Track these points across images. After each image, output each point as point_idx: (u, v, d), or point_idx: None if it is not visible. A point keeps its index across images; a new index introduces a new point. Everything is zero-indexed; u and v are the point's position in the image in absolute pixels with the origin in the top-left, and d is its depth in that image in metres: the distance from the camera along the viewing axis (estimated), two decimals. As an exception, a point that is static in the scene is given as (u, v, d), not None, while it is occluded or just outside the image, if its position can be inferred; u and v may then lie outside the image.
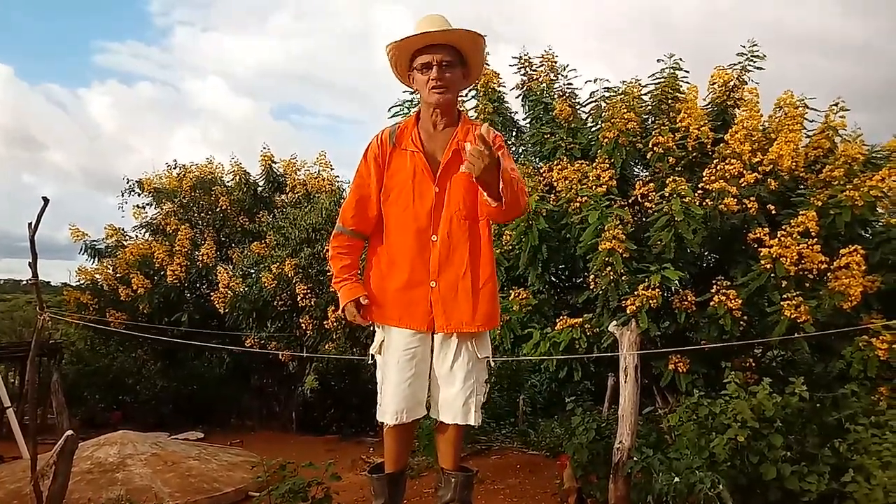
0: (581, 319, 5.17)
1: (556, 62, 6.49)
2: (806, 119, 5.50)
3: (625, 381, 4.39)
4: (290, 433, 9.24)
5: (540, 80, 6.44)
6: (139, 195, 10.74)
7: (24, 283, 17.28)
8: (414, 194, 2.33)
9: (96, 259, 10.12)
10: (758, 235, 4.85)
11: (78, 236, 10.06)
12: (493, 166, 1.99)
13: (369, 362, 2.49)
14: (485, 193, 2.10)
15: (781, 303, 4.62)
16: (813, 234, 4.70)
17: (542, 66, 6.50)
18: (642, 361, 4.59)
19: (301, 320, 8.26)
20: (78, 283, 9.82)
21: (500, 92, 6.51)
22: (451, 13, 2.33)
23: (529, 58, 6.53)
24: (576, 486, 4.43)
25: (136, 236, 10.51)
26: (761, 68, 5.77)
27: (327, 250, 2.56)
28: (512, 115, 6.62)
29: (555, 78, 6.45)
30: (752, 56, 5.79)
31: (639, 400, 4.39)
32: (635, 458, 4.16)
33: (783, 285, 4.69)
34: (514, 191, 2.10)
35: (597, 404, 6.31)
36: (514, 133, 6.64)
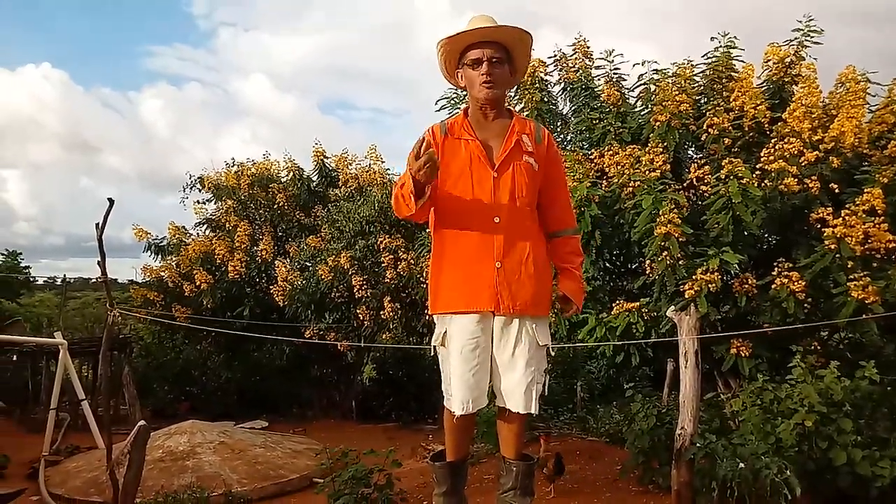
0: (638, 304, 5.12)
1: (588, 48, 6.38)
2: (868, 94, 5.30)
3: (685, 367, 4.34)
4: (351, 421, 9.41)
5: (576, 68, 6.34)
6: (200, 191, 11.08)
7: (94, 280, 17.99)
8: (472, 180, 2.35)
9: (160, 256, 10.49)
10: (821, 215, 4.72)
11: (141, 236, 10.44)
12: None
13: (431, 354, 2.52)
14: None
15: (848, 284, 4.49)
16: (879, 212, 4.55)
17: (574, 54, 6.40)
18: (702, 346, 4.53)
19: (358, 311, 8.38)
20: (144, 280, 10.21)
21: (546, 81, 6.43)
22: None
23: (564, 53, 6.43)
24: (551, 454, 4.84)
25: (197, 233, 10.84)
26: (819, 43, 5.59)
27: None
28: (555, 103, 6.53)
29: (590, 63, 6.34)
30: (808, 31, 5.60)
31: (700, 385, 4.33)
32: (698, 444, 4.12)
33: (849, 266, 4.55)
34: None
35: (656, 390, 6.24)
36: (559, 122, 6.57)
